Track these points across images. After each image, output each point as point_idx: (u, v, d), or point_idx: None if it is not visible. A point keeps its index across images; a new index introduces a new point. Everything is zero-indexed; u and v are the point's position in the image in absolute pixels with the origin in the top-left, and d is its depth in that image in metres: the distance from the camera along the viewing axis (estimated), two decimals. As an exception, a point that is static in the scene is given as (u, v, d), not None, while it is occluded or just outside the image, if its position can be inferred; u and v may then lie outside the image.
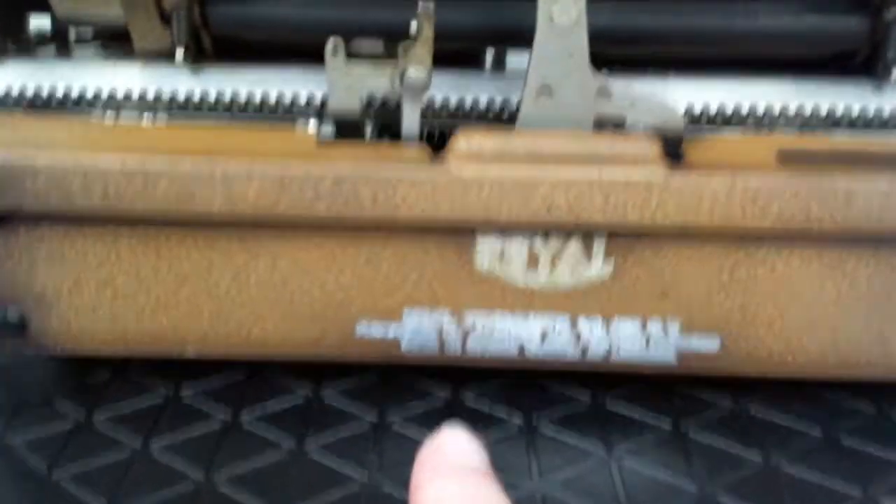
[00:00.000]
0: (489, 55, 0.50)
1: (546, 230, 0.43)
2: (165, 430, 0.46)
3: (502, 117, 0.47)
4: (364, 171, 0.41)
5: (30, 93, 0.48)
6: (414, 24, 0.42)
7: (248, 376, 0.50)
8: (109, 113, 0.48)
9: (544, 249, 0.43)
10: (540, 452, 0.44)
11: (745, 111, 0.47)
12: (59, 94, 0.48)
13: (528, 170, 0.41)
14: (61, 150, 0.42)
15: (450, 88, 0.47)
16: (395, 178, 0.41)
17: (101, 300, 0.45)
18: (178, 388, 0.49)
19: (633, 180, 0.41)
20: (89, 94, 0.47)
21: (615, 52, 0.47)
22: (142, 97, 0.47)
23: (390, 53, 0.43)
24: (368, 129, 0.47)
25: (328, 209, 0.42)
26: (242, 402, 0.48)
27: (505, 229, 0.43)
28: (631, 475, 0.43)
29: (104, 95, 0.48)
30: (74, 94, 0.48)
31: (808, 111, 0.46)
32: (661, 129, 0.42)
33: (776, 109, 0.47)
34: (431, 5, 0.41)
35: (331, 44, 0.43)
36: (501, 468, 0.42)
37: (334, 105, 0.44)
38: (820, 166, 0.41)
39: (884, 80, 0.45)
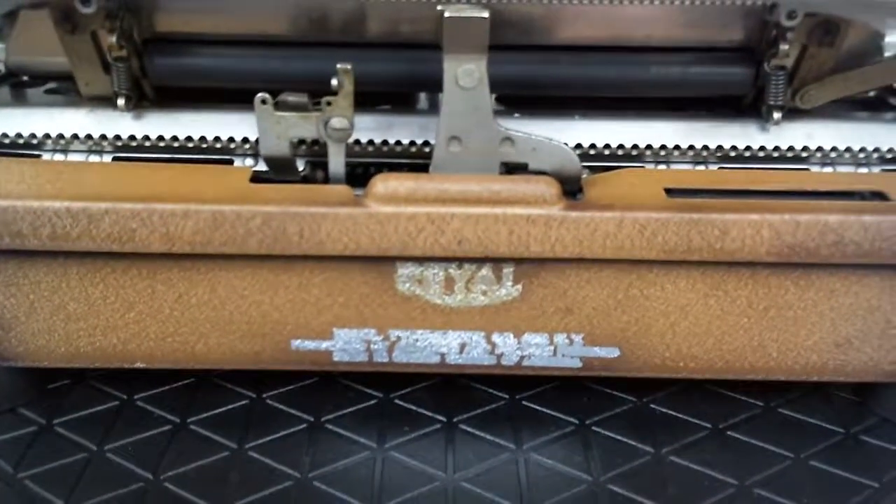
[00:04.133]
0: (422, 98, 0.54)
1: (459, 259, 0.47)
2: (119, 434, 0.51)
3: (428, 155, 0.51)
4: (292, 211, 0.45)
5: None
6: (335, 81, 0.45)
7: (197, 383, 0.55)
8: (58, 154, 0.51)
9: (458, 274, 0.48)
10: (457, 448, 0.50)
11: (644, 148, 0.51)
12: (11, 135, 0.52)
13: (439, 209, 0.45)
14: (11, 194, 0.45)
15: (382, 129, 0.51)
16: (320, 216, 0.45)
17: (55, 323, 0.49)
18: (131, 394, 0.54)
19: (533, 217, 0.45)
20: (39, 136, 0.51)
21: (528, 94, 0.51)
22: (87, 139, 0.51)
23: (315, 104, 0.47)
24: (301, 166, 0.51)
25: (259, 245, 0.46)
26: (190, 407, 0.53)
27: (421, 259, 0.47)
28: (535, 468, 0.48)
29: (53, 136, 0.51)
30: (25, 135, 0.52)
31: (699, 148, 0.51)
32: (560, 171, 0.47)
33: (672, 146, 0.51)
34: (349, 66, 0.45)
35: (259, 97, 0.46)
36: (423, 463, 0.48)
37: (265, 150, 0.48)
38: (699, 203, 0.46)
39: (768, 121, 0.50)
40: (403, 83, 0.50)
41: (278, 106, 0.47)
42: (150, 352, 0.51)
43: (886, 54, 0.46)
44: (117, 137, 0.51)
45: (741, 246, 0.45)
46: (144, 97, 0.53)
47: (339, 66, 0.45)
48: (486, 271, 0.48)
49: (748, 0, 0.43)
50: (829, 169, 0.52)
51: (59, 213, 0.45)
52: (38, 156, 0.52)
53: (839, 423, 0.52)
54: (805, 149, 0.51)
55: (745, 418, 0.52)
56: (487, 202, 0.45)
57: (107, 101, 0.52)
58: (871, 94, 0.58)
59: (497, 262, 0.47)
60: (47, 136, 0.51)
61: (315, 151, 0.51)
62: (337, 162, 0.48)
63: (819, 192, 0.48)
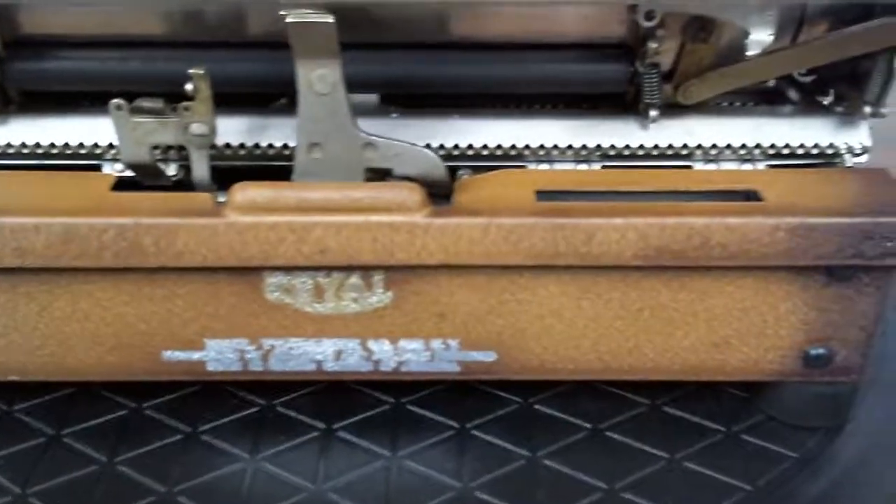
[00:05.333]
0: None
1: (325, 268, 0.46)
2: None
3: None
4: (145, 222, 0.44)
5: None
6: (190, 86, 0.43)
7: (77, 393, 0.53)
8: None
9: (327, 283, 0.47)
10: (331, 456, 0.49)
11: (523, 148, 0.50)
12: None
13: (300, 217, 0.44)
14: None
15: (255, 131, 0.50)
16: (176, 227, 0.44)
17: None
18: (10, 403, 0.53)
19: (397, 224, 0.44)
20: None
21: (408, 93, 0.50)
22: None
23: (173, 109, 0.45)
24: (174, 170, 0.49)
25: (115, 258, 0.44)
26: (66, 419, 0.52)
27: (288, 269, 0.46)
28: (407, 475, 0.48)
29: None
30: None
31: (579, 147, 0.50)
32: (426, 176, 0.45)
33: (551, 146, 0.50)
34: (202, 70, 0.43)
35: (114, 103, 0.44)
36: (293, 473, 0.48)
37: (126, 157, 0.46)
38: (565, 207, 0.45)
39: (645, 118, 0.49)
40: (272, 84, 0.48)
41: (135, 111, 0.45)
42: (21, 365, 0.49)
43: (749, 52, 0.45)
44: None
45: (607, 250, 0.44)
46: (10, 102, 0.51)
47: (191, 71, 0.43)
48: (355, 279, 0.47)
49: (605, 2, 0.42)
50: (712, 166, 0.51)
51: None
52: None
53: (722, 421, 0.52)
54: (685, 146, 0.50)
55: (628, 417, 0.52)
56: (349, 210, 0.44)
57: None
58: (771, 84, 0.58)
59: (365, 269, 0.46)
60: None
61: (186, 155, 0.50)
62: (200, 168, 0.46)
63: (691, 192, 0.47)
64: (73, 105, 0.52)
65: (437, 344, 0.49)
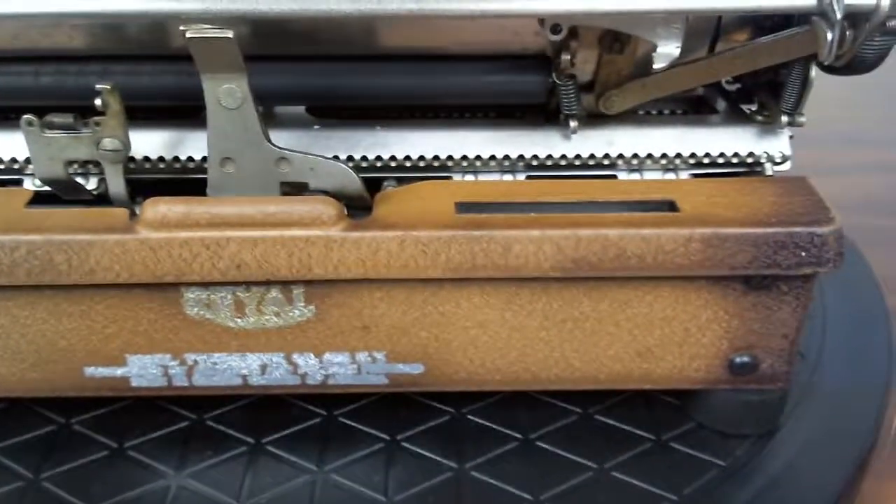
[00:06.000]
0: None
1: (243, 283, 0.46)
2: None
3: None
4: (56, 239, 0.43)
5: None
6: (98, 101, 0.43)
7: (6, 407, 0.53)
8: None
9: (247, 297, 0.46)
10: (258, 472, 0.49)
11: (446, 159, 0.50)
12: None
13: (213, 233, 0.44)
14: None
15: (172, 145, 0.49)
16: (87, 244, 0.43)
17: None
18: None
19: (312, 238, 0.44)
20: None
21: (330, 105, 0.50)
22: None
23: (85, 124, 0.44)
24: (95, 183, 0.49)
25: (28, 275, 0.44)
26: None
27: (205, 284, 0.45)
28: (331, 490, 0.47)
29: None
30: None
31: (501, 158, 0.50)
32: (341, 190, 0.45)
33: (474, 157, 0.50)
34: (110, 85, 0.43)
35: (25, 119, 0.44)
36: (217, 489, 0.47)
37: (40, 173, 0.46)
38: (482, 219, 0.44)
39: (566, 129, 0.49)
40: (187, 96, 0.48)
41: (46, 127, 0.45)
42: None
43: (656, 65, 0.45)
44: None
45: (525, 262, 0.44)
46: None
47: (98, 86, 0.43)
48: (275, 293, 0.46)
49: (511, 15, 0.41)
50: (635, 175, 0.51)
51: None
52: None
53: (652, 429, 0.52)
54: (607, 156, 0.50)
55: (560, 427, 0.52)
56: (263, 224, 0.44)
57: None
58: (700, 92, 0.58)
59: (284, 284, 0.46)
60: None
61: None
62: (116, 183, 0.46)
63: (610, 202, 0.47)
64: None
65: (363, 357, 0.49)
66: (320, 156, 0.45)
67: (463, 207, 0.46)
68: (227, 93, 0.41)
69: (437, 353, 0.49)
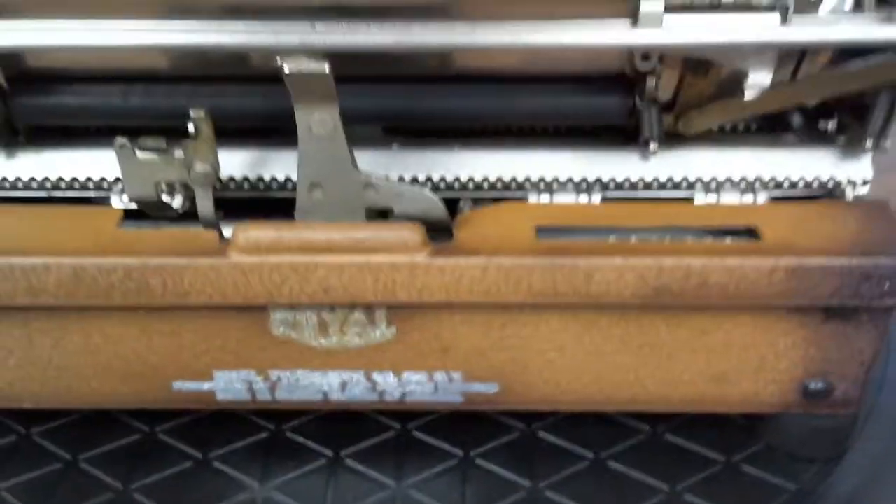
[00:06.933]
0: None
1: (329, 305, 0.47)
2: (16, 472, 0.52)
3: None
4: (152, 263, 0.45)
5: None
6: (192, 126, 0.44)
7: (92, 416, 0.55)
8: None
9: (332, 318, 0.47)
10: (340, 484, 0.50)
11: (524, 181, 0.51)
12: None
13: (303, 258, 0.45)
14: None
15: (256, 164, 0.50)
16: (182, 268, 0.45)
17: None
18: (27, 426, 0.55)
19: (397, 264, 0.45)
20: None
21: (415, 126, 0.51)
22: None
23: (176, 147, 0.46)
24: (176, 202, 0.50)
25: (124, 297, 0.46)
26: (82, 443, 0.53)
27: (290, 306, 0.47)
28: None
29: None
30: None
31: (578, 180, 0.50)
32: (425, 216, 0.46)
33: (551, 179, 0.50)
34: (202, 111, 0.44)
35: (118, 142, 0.45)
36: (304, 502, 0.49)
37: (131, 193, 0.47)
38: (564, 246, 0.45)
39: (646, 151, 0.49)
40: (273, 118, 0.49)
41: (139, 149, 0.46)
42: (36, 394, 0.51)
43: (747, 95, 0.45)
44: None
45: (606, 290, 0.45)
46: (16, 134, 0.52)
47: (192, 112, 0.44)
48: (358, 315, 0.47)
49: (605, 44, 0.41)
50: (712, 196, 0.51)
51: None
52: None
53: (722, 450, 0.52)
54: (685, 179, 0.50)
55: (629, 446, 0.53)
56: (351, 250, 0.45)
57: None
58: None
59: (368, 306, 0.47)
60: None
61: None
62: (205, 205, 0.47)
63: (691, 228, 0.47)
64: (79, 138, 0.53)
65: (440, 376, 0.50)
66: (406, 183, 0.46)
67: (543, 232, 0.46)
68: (318, 121, 0.42)
69: (513, 374, 0.49)
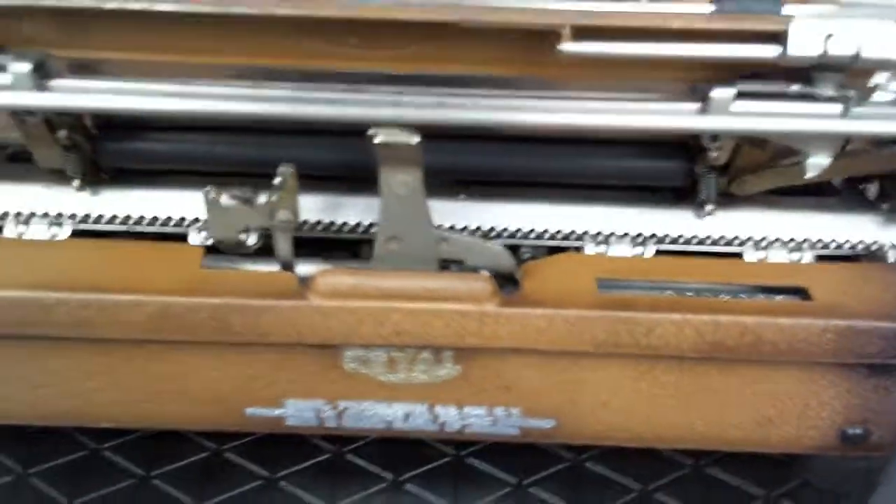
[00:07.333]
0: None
1: (400, 346, 0.50)
2: (91, 487, 0.55)
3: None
4: (236, 304, 0.48)
5: None
6: (279, 178, 0.47)
7: (160, 433, 0.58)
8: (16, 228, 0.53)
9: (401, 357, 0.50)
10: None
11: (582, 234, 0.53)
12: None
13: (379, 303, 0.47)
14: None
15: (329, 209, 0.53)
16: (263, 310, 0.48)
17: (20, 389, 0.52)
18: (99, 441, 0.58)
19: (468, 313, 0.47)
20: None
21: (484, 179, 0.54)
22: (44, 216, 0.53)
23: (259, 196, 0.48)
24: (251, 240, 0.52)
25: (208, 334, 0.48)
26: (154, 459, 0.56)
27: (363, 346, 0.50)
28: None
29: (10, 214, 0.53)
30: None
31: (634, 235, 0.53)
32: (494, 268, 0.49)
33: (609, 233, 0.53)
34: (290, 167, 0.46)
35: (207, 193, 0.48)
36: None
37: (215, 236, 0.50)
38: (626, 299, 0.48)
39: (700, 211, 0.51)
40: (352, 169, 0.51)
41: (226, 197, 0.48)
42: (116, 414, 0.54)
43: (807, 175, 0.47)
44: (73, 216, 0.53)
45: (666, 343, 0.48)
46: (101, 172, 0.55)
47: (281, 168, 0.47)
48: (426, 354, 0.50)
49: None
50: (761, 254, 0.54)
51: (13, 302, 0.47)
52: None
53: (762, 484, 0.55)
54: (736, 237, 0.53)
55: (674, 479, 0.56)
56: (424, 298, 0.48)
57: (65, 175, 0.54)
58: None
59: (437, 348, 0.50)
60: (5, 214, 0.53)
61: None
62: (283, 248, 0.50)
63: (744, 286, 0.50)
64: (159, 177, 0.55)
65: (500, 411, 0.52)
66: (477, 238, 0.48)
67: (604, 284, 0.49)
68: (401, 182, 0.45)
69: (569, 412, 0.52)
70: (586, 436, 0.53)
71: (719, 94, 0.43)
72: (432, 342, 0.48)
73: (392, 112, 0.42)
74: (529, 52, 0.43)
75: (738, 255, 0.54)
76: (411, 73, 0.44)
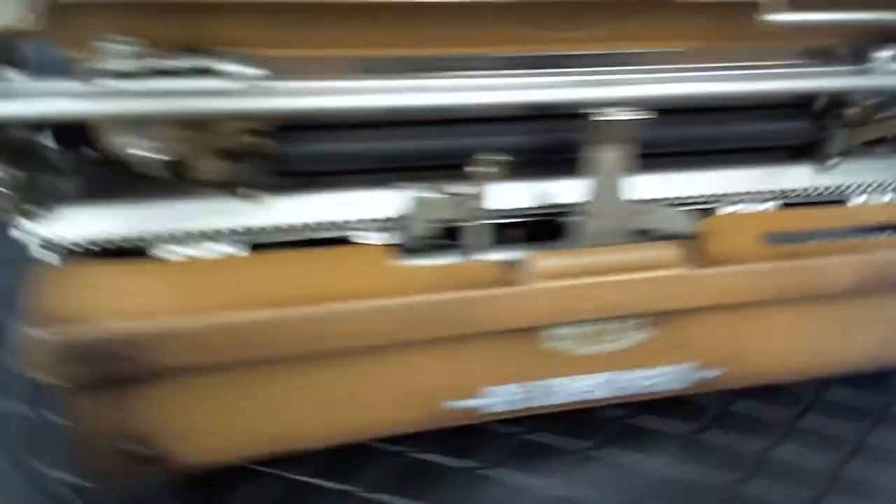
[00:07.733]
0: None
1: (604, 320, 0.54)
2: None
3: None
4: (452, 298, 0.49)
5: (100, 238, 0.49)
6: (477, 168, 0.48)
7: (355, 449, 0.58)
8: (186, 249, 0.50)
9: (602, 329, 0.54)
10: (595, 474, 0.58)
11: (721, 195, 0.59)
12: (125, 234, 0.49)
13: (583, 280, 0.51)
14: (137, 312, 0.45)
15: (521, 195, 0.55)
16: (477, 300, 0.50)
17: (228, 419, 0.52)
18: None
19: (664, 279, 0.52)
20: (156, 232, 0.49)
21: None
22: (216, 233, 0.50)
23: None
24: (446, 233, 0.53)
25: (426, 331, 0.50)
26: (357, 476, 0.57)
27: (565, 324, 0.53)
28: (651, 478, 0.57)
29: (174, 233, 0.49)
30: (147, 234, 0.49)
31: (765, 192, 0.59)
32: (680, 233, 0.54)
33: (745, 191, 0.59)
34: (490, 157, 0.48)
35: (409, 194, 0.50)
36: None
37: (414, 232, 0.51)
38: (798, 249, 0.54)
39: (823, 164, 0.59)
40: (548, 152, 0.54)
41: (424, 193, 0.50)
42: (320, 434, 0.54)
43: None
44: (248, 231, 0.51)
45: (830, 283, 0.55)
46: (274, 178, 0.52)
47: (480, 156, 0.48)
48: (627, 323, 0.54)
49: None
50: (863, 198, 0.61)
51: (198, 331, 0.46)
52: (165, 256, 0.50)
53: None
54: (849, 186, 0.60)
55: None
56: (624, 270, 0.52)
57: (226, 188, 0.51)
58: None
59: (637, 316, 0.54)
60: (172, 235, 0.50)
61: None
62: (479, 237, 0.51)
63: (880, 225, 0.57)
64: (325, 180, 0.53)
65: (680, 367, 0.57)
66: (664, 206, 0.53)
67: (773, 238, 0.55)
68: (610, 160, 0.48)
69: (738, 359, 0.58)
70: (750, 378, 0.59)
71: (881, 54, 0.50)
72: (633, 311, 0.53)
73: (612, 92, 0.46)
74: (725, 24, 0.48)
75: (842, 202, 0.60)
76: (609, 51, 0.47)
